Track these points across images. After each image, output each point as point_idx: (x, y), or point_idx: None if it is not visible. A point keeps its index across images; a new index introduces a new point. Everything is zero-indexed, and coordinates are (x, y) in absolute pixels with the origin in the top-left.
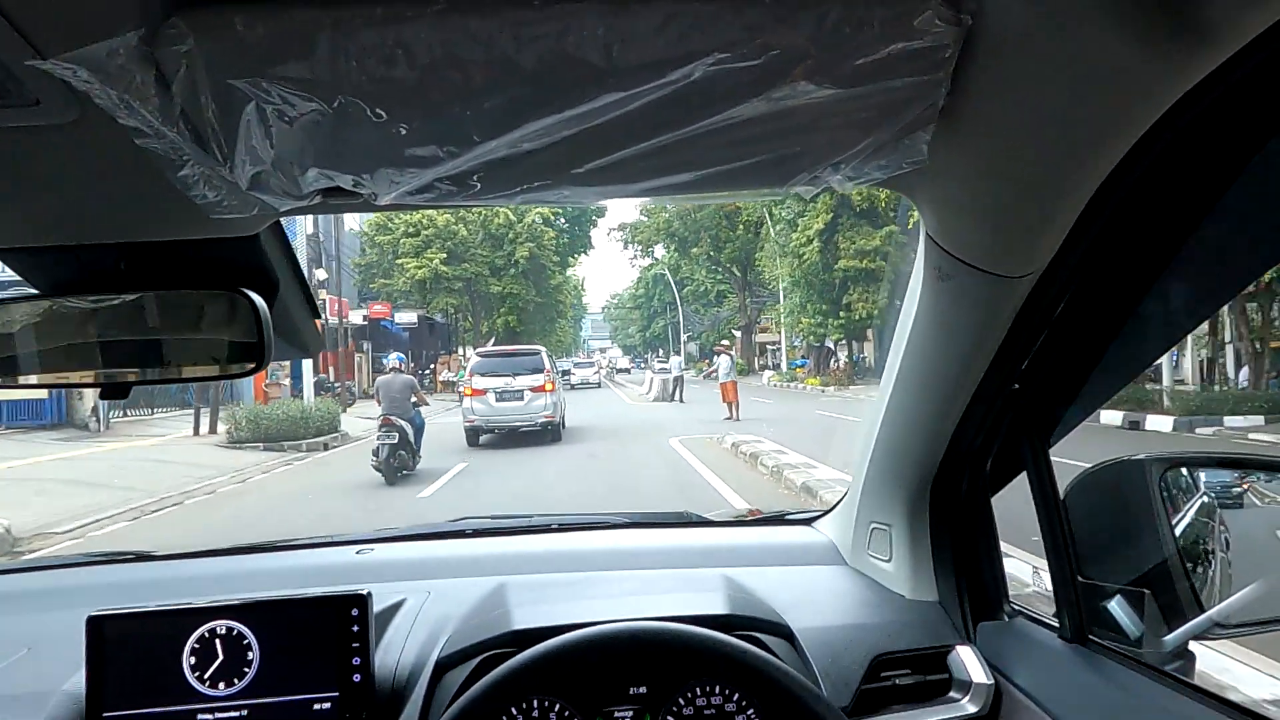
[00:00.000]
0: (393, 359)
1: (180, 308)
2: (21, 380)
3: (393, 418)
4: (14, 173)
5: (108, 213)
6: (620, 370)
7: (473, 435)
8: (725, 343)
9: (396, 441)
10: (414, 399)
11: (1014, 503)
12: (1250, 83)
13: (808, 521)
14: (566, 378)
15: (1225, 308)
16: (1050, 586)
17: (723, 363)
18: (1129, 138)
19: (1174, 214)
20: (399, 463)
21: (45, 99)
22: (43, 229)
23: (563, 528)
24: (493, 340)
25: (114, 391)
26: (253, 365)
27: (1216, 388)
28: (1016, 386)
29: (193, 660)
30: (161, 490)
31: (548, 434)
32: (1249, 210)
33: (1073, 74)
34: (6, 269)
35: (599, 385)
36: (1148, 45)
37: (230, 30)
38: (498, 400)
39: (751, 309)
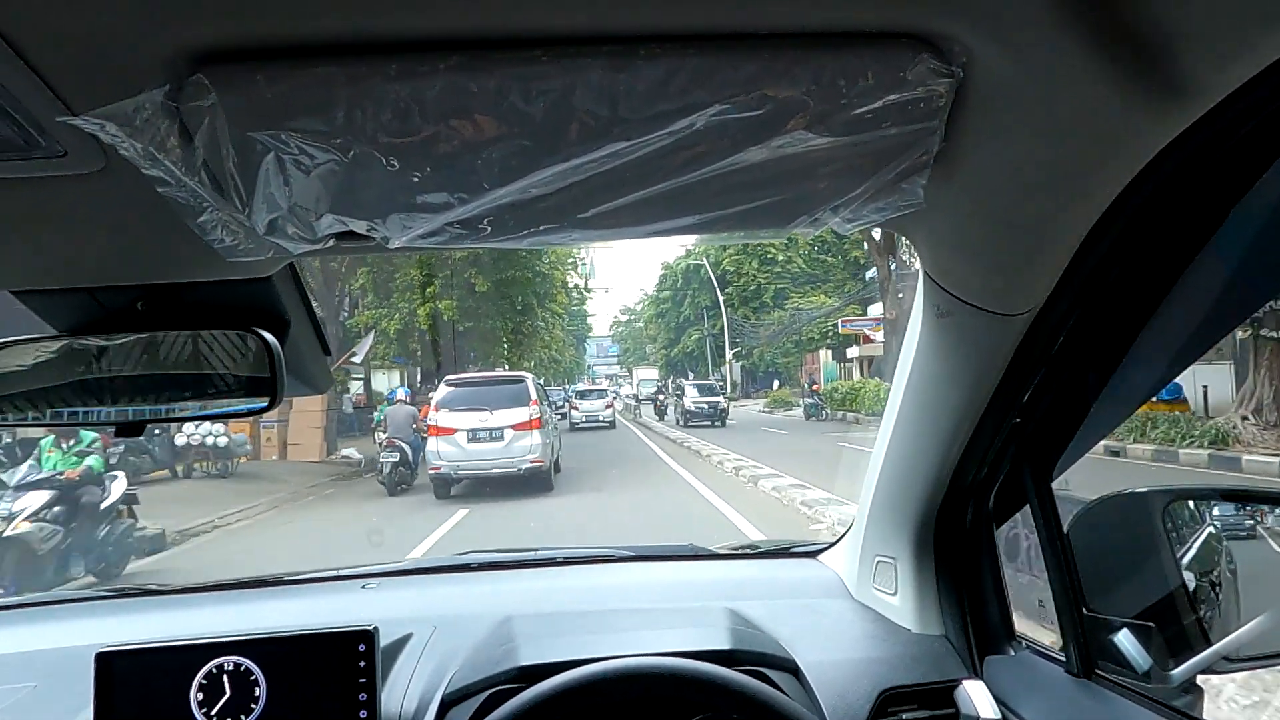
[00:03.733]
0: (400, 392)
1: (195, 347)
2: (38, 418)
3: (396, 440)
4: (41, 219)
5: (128, 256)
6: (696, 413)
7: (441, 486)
8: None
9: (398, 460)
10: (415, 425)
11: None
12: (1230, 133)
13: (813, 554)
14: (564, 411)
15: None
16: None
17: None
18: (1117, 183)
19: (1165, 254)
20: (399, 478)
21: (73, 151)
22: (64, 272)
23: (568, 561)
24: (367, 346)
25: (128, 430)
26: (266, 402)
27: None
28: (1018, 420)
29: (200, 696)
30: None
31: (537, 482)
32: (1239, 251)
33: (1060, 124)
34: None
35: (612, 425)
36: (1130, 99)
37: (252, 86)
38: (470, 441)
39: (899, 288)
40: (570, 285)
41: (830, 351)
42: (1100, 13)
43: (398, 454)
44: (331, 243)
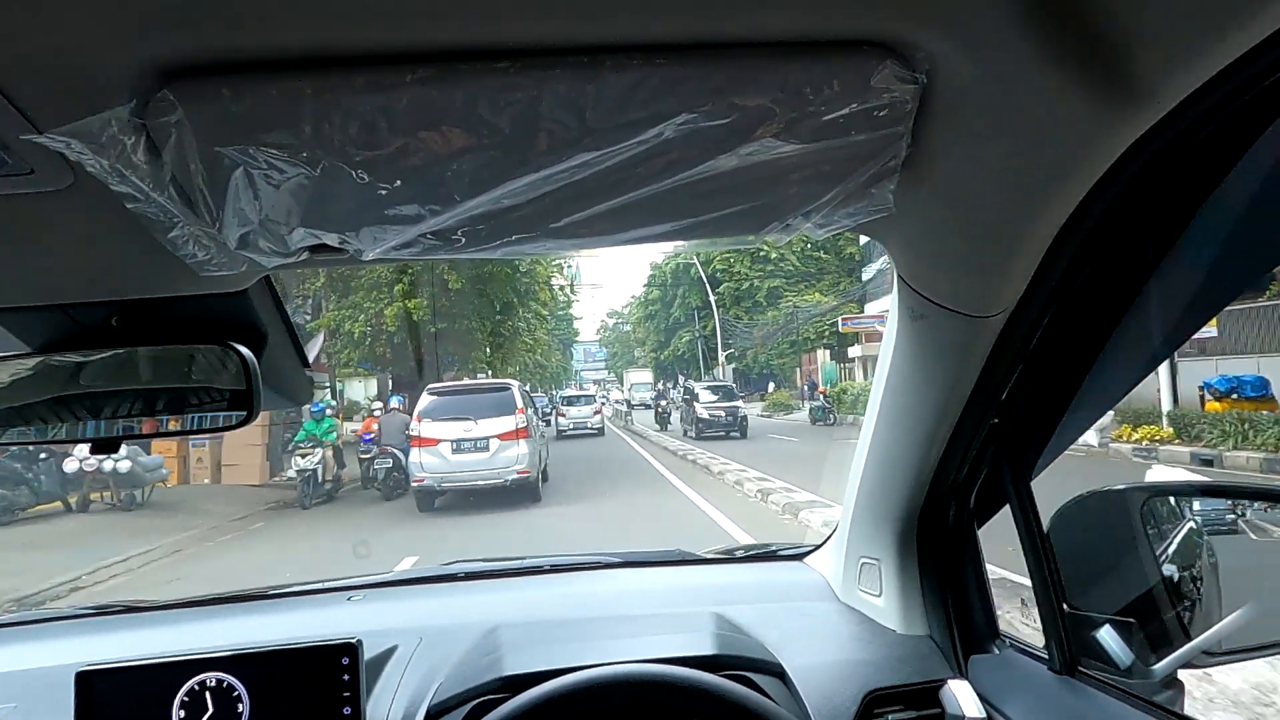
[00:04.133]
0: (394, 401)
1: (170, 362)
2: (12, 437)
3: (389, 447)
4: (9, 237)
5: (100, 273)
6: (711, 422)
7: (425, 499)
8: None
9: (392, 465)
10: (406, 433)
11: None
12: (1190, 134)
13: (799, 557)
14: (551, 419)
15: None
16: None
17: None
18: (1082, 185)
19: (1134, 253)
20: (394, 483)
21: (40, 168)
22: (36, 289)
23: (555, 569)
24: (317, 348)
25: (104, 446)
26: (243, 416)
27: None
28: (995, 421)
29: (182, 714)
30: None
31: (524, 494)
32: (1203, 248)
33: (1024, 128)
34: None
35: (601, 432)
36: (1092, 103)
37: (218, 101)
38: (454, 452)
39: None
40: (556, 286)
41: (828, 352)
42: (1060, 19)
43: (391, 460)
44: (305, 256)
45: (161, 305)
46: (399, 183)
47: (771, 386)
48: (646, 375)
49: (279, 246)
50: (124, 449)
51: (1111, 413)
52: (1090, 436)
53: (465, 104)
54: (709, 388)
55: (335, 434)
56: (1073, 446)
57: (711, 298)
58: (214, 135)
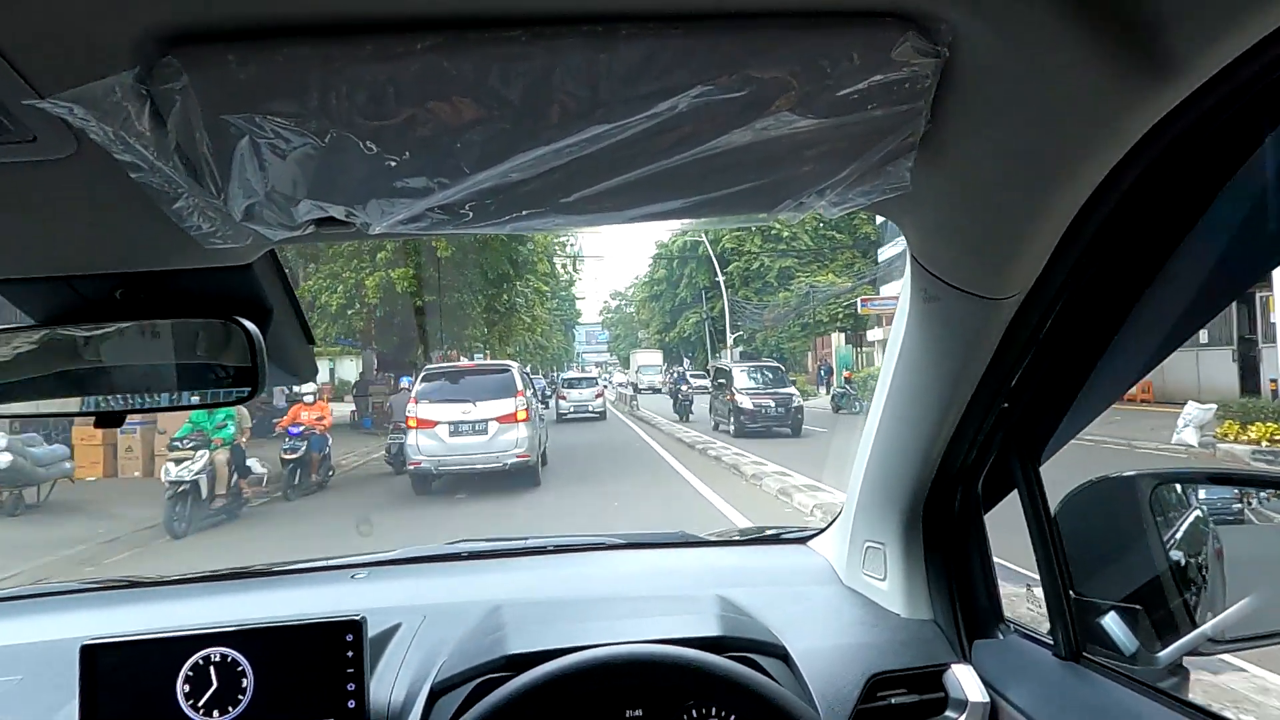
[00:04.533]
0: (405, 382)
1: (174, 336)
2: (16, 409)
3: (401, 424)
4: (12, 206)
5: (103, 244)
6: (758, 414)
7: (421, 482)
8: None
9: (404, 443)
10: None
11: None
12: (1217, 113)
13: (803, 541)
14: (552, 402)
15: None
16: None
17: None
18: (1104, 165)
19: (1153, 236)
20: (405, 458)
21: (42, 135)
22: (39, 260)
23: (558, 549)
24: None
25: (108, 420)
26: (247, 391)
27: None
28: (1006, 405)
29: (186, 688)
30: None
31: (523, 478)
32: (1226, 232)
33: (1047, 105)
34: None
35: (603, 416)
36: (1118, 79)
37: (224, 67)
38: (452, 435)
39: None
40: (559, 266)
41: (843, 335)
42: None
43: (403, 437)
44: (311, 229)
45: (166, 278)
46: (407, 154)
47: None
48: (655, 357)
49: (285, 219)
50: (4, 439)
51: (1214, 407)
52: (1189, 435)
53: (475, 74)
54: (750, 370)
55: (232, 429)
56: (1170, 446)
57: (720, 277)
58: (219, 103)
